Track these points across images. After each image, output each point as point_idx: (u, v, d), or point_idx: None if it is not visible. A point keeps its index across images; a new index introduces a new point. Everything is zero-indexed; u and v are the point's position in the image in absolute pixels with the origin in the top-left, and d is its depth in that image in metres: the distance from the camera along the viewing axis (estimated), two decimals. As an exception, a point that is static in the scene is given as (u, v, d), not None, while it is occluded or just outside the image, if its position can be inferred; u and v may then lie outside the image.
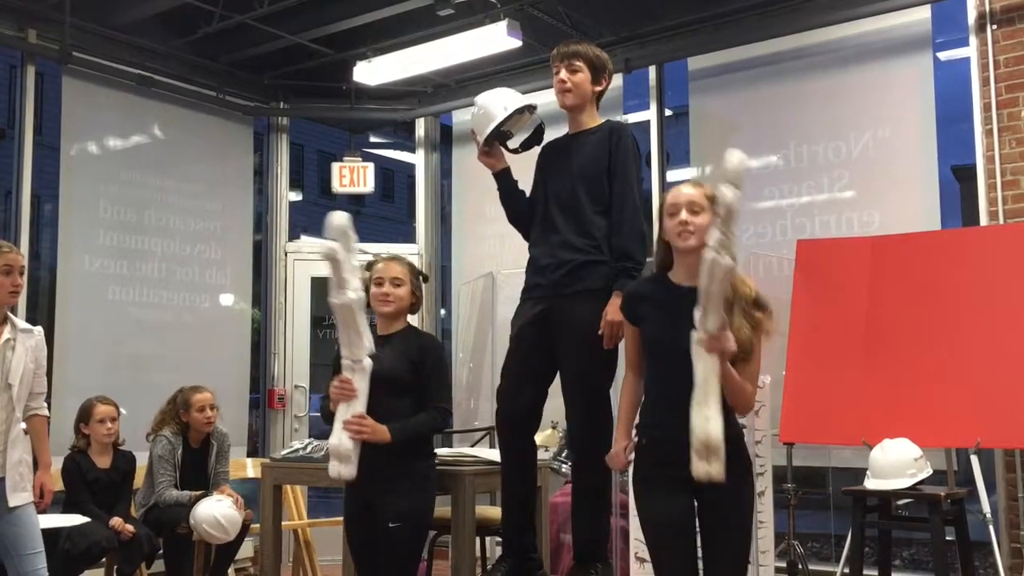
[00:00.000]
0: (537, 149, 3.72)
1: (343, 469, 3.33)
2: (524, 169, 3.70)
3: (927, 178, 5.55)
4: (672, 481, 2.75)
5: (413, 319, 3.80)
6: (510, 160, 3.68)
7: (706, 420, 2.60)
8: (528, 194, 3.67)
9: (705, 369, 2.63)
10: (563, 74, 3.51)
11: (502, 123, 3.55)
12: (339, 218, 3.32)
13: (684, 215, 2.79)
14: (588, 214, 3.44)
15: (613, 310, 3.25)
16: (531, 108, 3.63)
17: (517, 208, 3.66)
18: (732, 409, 2.76)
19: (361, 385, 3.36)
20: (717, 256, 2.57)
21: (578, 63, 3.50)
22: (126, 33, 6.53)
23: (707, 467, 2.59)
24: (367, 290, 3.54)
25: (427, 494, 3.53)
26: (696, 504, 2.80)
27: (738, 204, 2.58)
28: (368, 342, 3.37)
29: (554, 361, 3.45)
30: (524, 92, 3.70)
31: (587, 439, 3.41)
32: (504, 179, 3.65)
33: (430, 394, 3.50)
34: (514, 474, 3.57)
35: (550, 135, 3.73)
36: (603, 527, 3.54)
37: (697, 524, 2.81)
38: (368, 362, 3.37)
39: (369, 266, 3.66)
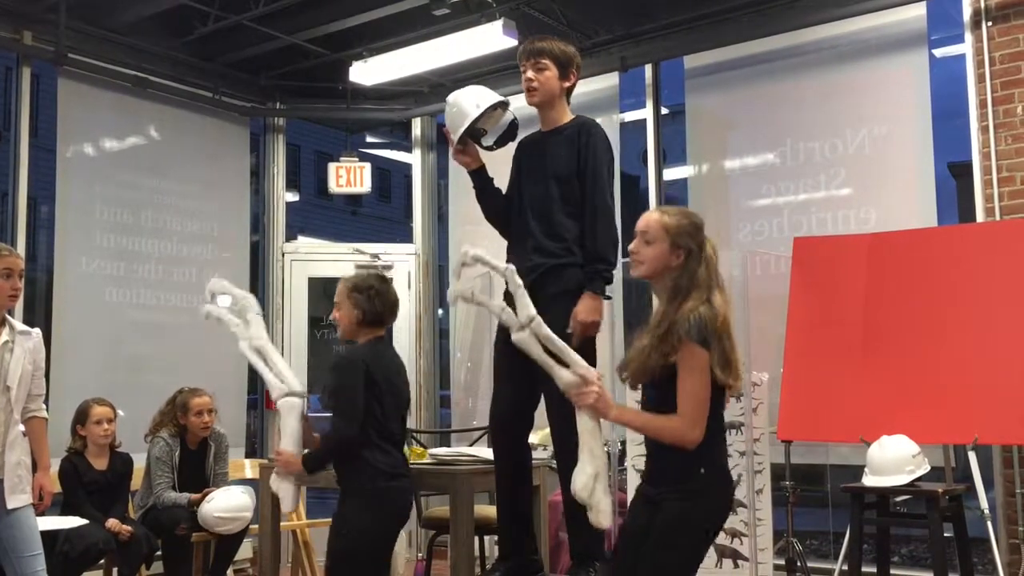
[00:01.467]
0: (512, 145, 3.72)
1: (283, 505, 3.61)
2: (501, 164, 3.70)
3: (923, 175, 5.56)
4: (627, 530, 2.79)
5: (401, 320, 3.81)
6: (486, 157, 3.69)
7: (578, 474, 2.67)
8: (505, 191, 3.68)
9: (580, 423, 2.69)
10: (529, 73, 3.52)
11: (475, 120, 3.55)
12: (211, 284, 3.64)
13: (634, 244, 2.77)
14: (559, 216, 3.45)
15: (584, 310, 3.27)
16: (504, 104, 3.63)
17: (493, 205, 3.67)
18: (684, 447, 2.64)
19: (284, 421, 3.51)
20: (525, 330, 2.69)
21: (544, 61, 3.51)
22: (122, 34, 6.52)
23: (592, 518, 2.70)
24: None
25: (369, 513, 3.41)
26: None
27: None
28: (276, 382, 3.51)
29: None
30: (519, 91, 3.70)
31: (569, 441, 3.42)
32: (479, 177, 3.66)
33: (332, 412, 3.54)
34: (504, 478, 3.58)
35: (525, 132, 3.72)
36: (598, 528, 3.52)
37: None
38: (282, 402, 3.51)
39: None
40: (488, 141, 3.69)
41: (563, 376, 2.64)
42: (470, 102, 3.57)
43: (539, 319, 2.73)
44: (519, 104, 3.73)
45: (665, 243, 2.71)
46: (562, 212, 3.45)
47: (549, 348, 2.71)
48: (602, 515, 2.66)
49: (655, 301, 2.84)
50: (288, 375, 3.53)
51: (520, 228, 3.55)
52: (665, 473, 2.69)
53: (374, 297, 3.53)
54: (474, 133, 3.61)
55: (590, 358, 3.39)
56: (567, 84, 3.57)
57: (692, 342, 2.58)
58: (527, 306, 2.73)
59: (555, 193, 3.47)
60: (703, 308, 2.62)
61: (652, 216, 2.78)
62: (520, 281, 2.81)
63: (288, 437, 3.49)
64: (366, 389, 3.41)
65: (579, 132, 3.50)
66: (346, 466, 3.46)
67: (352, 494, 3.45)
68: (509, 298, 2.98)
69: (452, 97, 3.64)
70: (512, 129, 3.71)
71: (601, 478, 2.64)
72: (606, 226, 3.41)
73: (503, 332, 3.52)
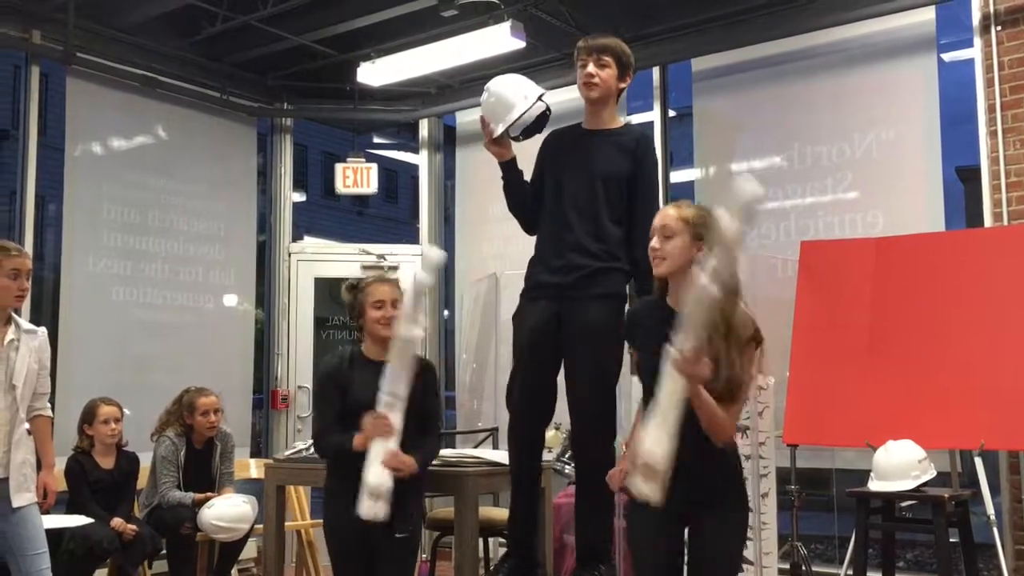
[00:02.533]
0: (538, 137, 3.64)
1: (379, 508, 3.24)
2: (525, 157, 3.64)
3: (931, 179, 5.54)
4: (660, 517, 2.66)
5: None
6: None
7: (656, 442, 2.50)
8: (530, 181, 3.60)
9: (670, 389, 2.54)
10: (591, 67, 3.43)
11: (523, 113, 3.46)
12: (438, 255, 3.41)
13: (655, 241, 2.75)
14: (604, 220, 3.40)
15: None
16: (541, 96, 3.57)
17: (521, 198, 3.59)
18: (728, 445, 2.67)
19: (396, 421, 3.32)
20: (707, 284, 2.50)
21: (607, 58, 3.44)
22: (130, 34, 6.53)
23: (644, 488, 2.51)
24: (362, 313, 3.55)
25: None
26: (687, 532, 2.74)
27: (739, 236, 2.49)
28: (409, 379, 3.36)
29: (559, 361, 3.44)
30: (529, 92, 3.67)
31: (592, 440, 3.41)
32: (510, 169, 3.57)
33: (428, 417, 3.53)
34: (523, 475, 3.56)
35: (553, 125, 3.66)
36: (606, 528, 3.53)
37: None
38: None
39: (354, 287, 3.63)
40: (515, 132, 3.57)
41: (688, 342, 2.50)
42: (516, 93, 3.48)
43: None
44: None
45: (686, 235, 2.71)
46: (608, 216, 3.41)
47: (711, 313, 2.54)
48: (660, 491, 2.51)
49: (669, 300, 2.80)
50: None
51: (557, 223, 3.46)
52: (707, 482, 2.65)
53: None
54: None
55: (621, 357, 3.38)
56: (623, 85, 3.51)
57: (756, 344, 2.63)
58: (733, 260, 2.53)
59: (602, 195, 3.41)
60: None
61: (668, 211, 2.78)
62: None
63: (397, 436, 3.32)
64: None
65: (638, 142, 3.46)
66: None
67: (416, 494, 3.55)
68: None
69: (494, 86, 3.55)
70: (541, 120, 3.59)
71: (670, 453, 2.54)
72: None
73: (528, 324, 3.44)
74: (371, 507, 3.23)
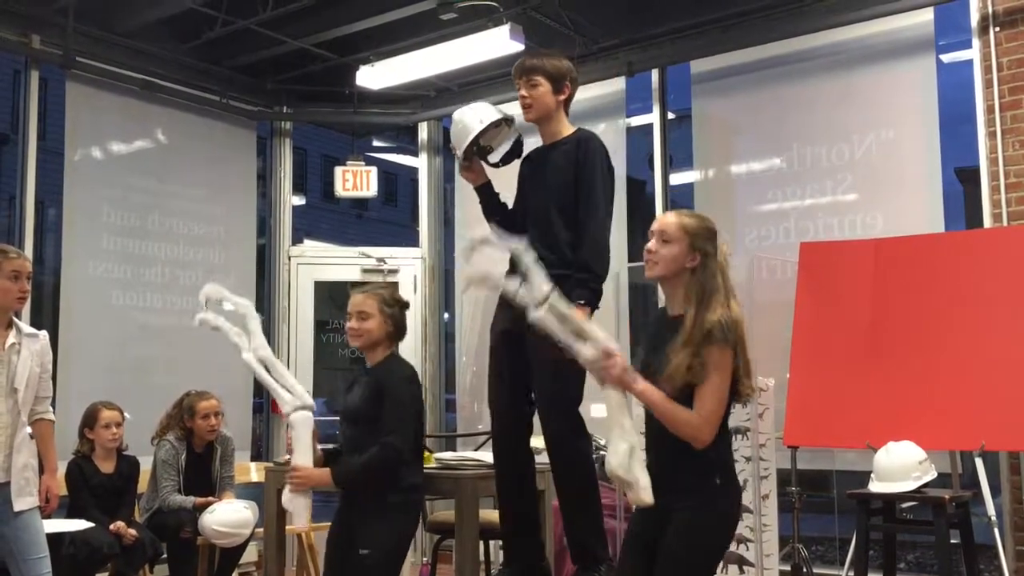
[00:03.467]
0: (517, 163, 3.75)
1: (295, 521, 3.56)
2: (507, 183, 3.73)
3: (930, 180, 5.55)
4: (636, 538, 2.76)
5: (409, 331, 3.81)
6: (494, 175, 3.72)
7: (615, 453, 2.54)
8: (512, 206, 3.72)
9: (606, 399, 2.59)
10: (523, 91, 3.57)
11: (479, 135, 3.59)
12: (205, 290, 3.64)
13: (651, 244, 2.77)
14: (557, 229, 3.48)
15: None
16: (509, 120, 3.68)
17: (499, 221, 3.67)
18: (693, 444, 2.62)
19: (294, 436, 3.49)
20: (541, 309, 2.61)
21: (536, 77, 3.55)
22: (129, 38, 6.54)
23: (631, 495, 2.57)
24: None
25: (392, 524, 3.48)
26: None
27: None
28: (287, 395, 3.49)
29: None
30: (526, 95, 3.70)
31: (561, 446, 3.45)
32: (485, 193, 3.70)
33: (380, 427, 3.46)
34: (503, 479, 3.62)
35: (530, 147, 3.75)
36: (594, 524, 3.52)
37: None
38: (298, 415, 3.49)
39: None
40: (494, 158, 3.74)
41: (584, 351, 2.57)
42: (474, 118, 3.61)
43: (556, 294, 2.65)
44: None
45: (683, 244, 2.72)
46: (559, 223, 3.48)
47: (567, 325, 2.61)
48: (643, 491, 2.54)
49: (660, 303, 2.84)
50: (296, 386, 3.52)
51: (525, 238, 3.55)
52: (678, 482, 2.66)
53: (401, 313, 3.65)
54: (480, 150, 3.66)
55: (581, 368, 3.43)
56: (562, 97, 3.59)
57: (724, 344, 2.60)
58: (542, 283, 2.65)
59: (553, 204, 3.50)
60: (731, 313, 2.64)
61: (670, 218, 2.79)
62: (533, 256, 2.71)
63: (303, 451, 3.47)
64: (412, 405, 3.53)
65: (577, 145, 3.53)
66: (376, 480, 3.47)
67: (386, 509, 3.46)
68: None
69: (457, 114, 3.69)
70: (517, 147, 3.75)
71: (636, 453, 2.54)
72: (594, 238, 3.43)
73: (498, 329, 3.59)
74: (289, 520, 3.65)
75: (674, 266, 2.73)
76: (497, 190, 3.74)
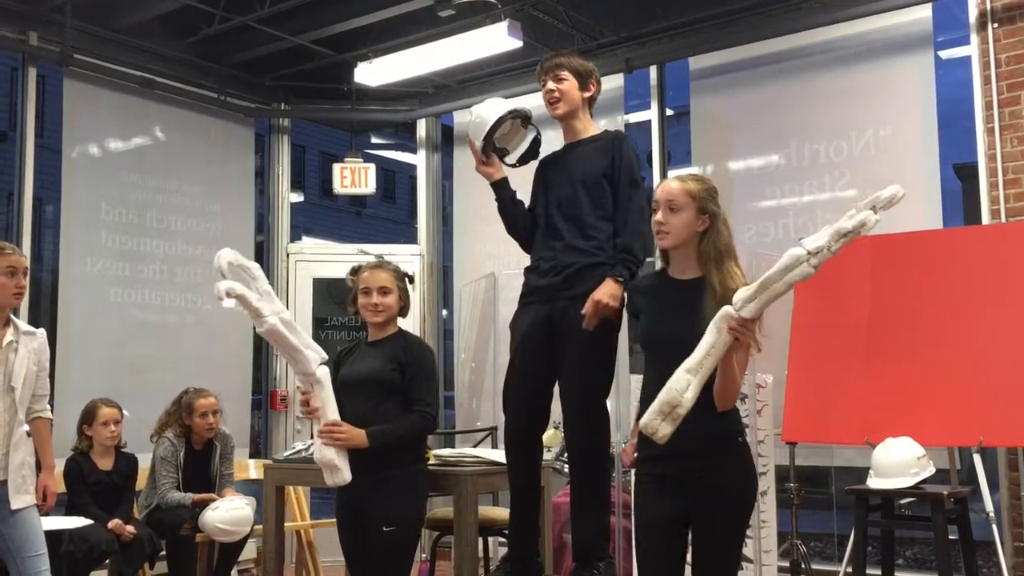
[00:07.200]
0: (534, 164, 3.74)
1: (335, 477, 3.41)
2: (521, 184, 3.72)
3: (929, 177, 5.55)
4: (662, 480, 2.71)
5: (407, 322, 3.83)
6: (509, 175, 3.70)
7: (686, 386, 2.49)
8: (527, 206, 3.69)
9: (713, 344, 2.52)
10: (550, 84, 3.56)
11: (496, 125, 3.57)
12: (225, 255, 3.41)
13: (659, 215, 2.75)
14: (590, 219, 3.46)
15: (602, 291, 3.27)
16: (527, 117, 3.67)
17: (515, 219, 3.67)
18: (725, 406, 2.66)
19: (322, 395, 3.42)
20: (806, 263, 2.57)
21: (563, 73, 3.55)
22: (127, 35, 6.53)
23: (657, 425, 2.49)
24: (354, 299, 3.65)
25: (417, 497, 3.56)
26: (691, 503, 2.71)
27: (870, 227, 2.72)
28: (312, 352, 3.43)
29: (555, 364, 3.45)
30: (525, 93, 3.72)
31: (583, 438, 3.43)
32: (501, 189, 3.67)
33: (414, 396, 3.52)
34: (520, 481, 3.58)
35: (547, 141, 3.74)
36: (603, 525, 3.53)
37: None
38: (321, 371, 3.44)
39: (354, 272, 3.71)
40: (511, 159, 3.72)
41: (750, 308, 2.51)
42: (492, 111, 3.60)
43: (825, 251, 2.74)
44: (538, 113, 3.75)
45: (692, 209, 2.72)
46: (592, 215, 3.47)
47: (769, 279, 2.60)
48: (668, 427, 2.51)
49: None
50: (313, 343, 3.47)
51: (549, 232, 3.54)
52: (707, 441, 2.64)
53: (407, 287, 3.72)
54: (497, 150, 3.65)
55: (612, 351, 3.43)
56: (587, 95, 3.59)
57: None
58: (819, 237, 2.77)
59: (583, 196, 3.48)
60: (743, 276, 2.67)
61: (672, 185, 2.77)
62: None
63: (333, 407, 3.43)
64: (438, 378, 3.66)
65: (613, 141, 3.54)
66: (402, 448, 3.48)
67: (397, 479, 3.47)
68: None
69: (475, 108, 3.68)
70: (535, 147, 3.73)
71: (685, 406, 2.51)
72: (637, 225, 3.41)
73: (518, 338, 3.52)
74: (328, 477, 3.42)
75: (685, 233, 2.73)
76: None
